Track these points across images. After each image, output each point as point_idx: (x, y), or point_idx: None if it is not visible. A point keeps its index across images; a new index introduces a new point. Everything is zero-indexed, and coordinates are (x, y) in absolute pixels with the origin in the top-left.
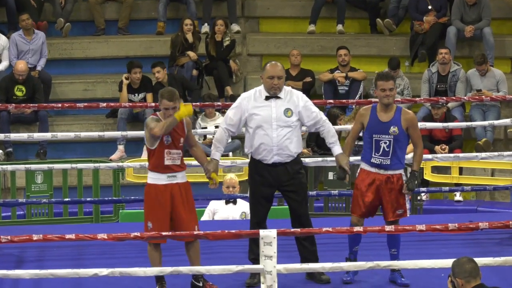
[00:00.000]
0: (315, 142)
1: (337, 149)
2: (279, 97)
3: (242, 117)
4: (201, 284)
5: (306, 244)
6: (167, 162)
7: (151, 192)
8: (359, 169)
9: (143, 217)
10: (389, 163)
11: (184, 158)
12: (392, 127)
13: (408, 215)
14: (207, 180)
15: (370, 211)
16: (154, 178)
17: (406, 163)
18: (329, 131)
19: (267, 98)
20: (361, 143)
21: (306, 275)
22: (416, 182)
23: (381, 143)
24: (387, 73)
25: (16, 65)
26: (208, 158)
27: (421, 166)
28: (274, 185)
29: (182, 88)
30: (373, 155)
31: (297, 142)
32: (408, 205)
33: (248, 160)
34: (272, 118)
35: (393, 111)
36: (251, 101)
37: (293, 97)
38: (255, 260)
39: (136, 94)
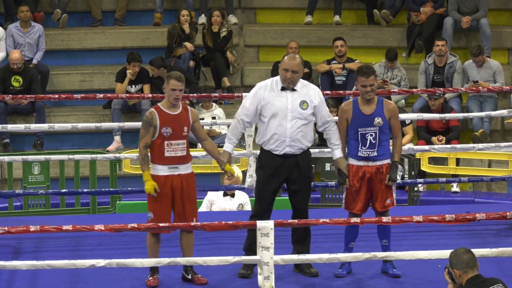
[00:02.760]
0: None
1: (338, 152)
2: (294, 89)
3: (258, 106)
4: (189, 277)
5: (299, 247)
6: (167, 154)
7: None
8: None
9: (140, 208)
10: (376, 154)
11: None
12: (376, 119)
13: (395, 205)
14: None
15: (366, 205)
16: (155, 169)
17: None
18: (336, 133)
19: (283, 88)
20: None
21: (294, 267)
22: (400, 173)
23: (367, 136)
24: (367, 68)
25: (11, 54)
26: (220, 149)
27: (418, 157)
28: (282, 177)
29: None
30: (359, 149)
31: (310, 136)
32: (394, 195)
33: (244, 151)
34: (288, 109)
35: (375, 103)
36: (267, 90)
37: (310, 91)
38: (248, 251)
39: (133, 86)
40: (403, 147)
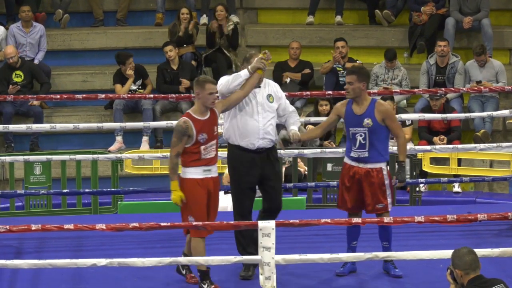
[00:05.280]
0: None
1: (293, 127)
2: (259, 86)
3: (228, 86)
4: (184, 272)
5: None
6: (203, 156)
7: (189, 187)
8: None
9: (142, 209)
10: (367, 155)
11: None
12: (365, 120)
13: (390, 209)
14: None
15: (357, 205)
16: (191, 172)
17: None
18: (294, 117)
19: None
20: None
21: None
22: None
23: (357, 136)
24: (350, 67)
25: (5, 50)
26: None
27: (420, 157)
28: (257, 173)
29: (190, 76)
30: (352, 149)
31: (276, 129)
32: (389, 199)
33: None
34: (258, 103)
35: (366, 103)
36: (235, 84)
37: (271, 85)
38: (244, 252)
39: (133, 83)
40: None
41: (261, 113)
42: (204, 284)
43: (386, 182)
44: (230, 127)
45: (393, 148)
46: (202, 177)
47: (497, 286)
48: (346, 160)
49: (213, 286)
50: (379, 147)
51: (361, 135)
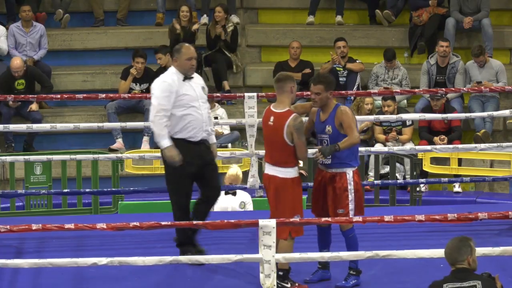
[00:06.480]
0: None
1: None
2: (192, 77)
3: (172, 100)
4: (289, 286)
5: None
6: None
7: (298, 186)
8: None
9: (142, 209)
10: (329, 162)
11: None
12: (327, 127)
13: (351, 216)
14: None
15: (322, 208)
16: (294, 172)
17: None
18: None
19: (184, 79)
20: None
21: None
22: (330, 151)
23: (323, 142)
24: (317, 77)
25: (12, 62)
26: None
27: (420, 157)
28: (200, 163)
29: None
30: None
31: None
32: (351, 206)
33: (246, 151)
34: (197, 96)
35: (330, 110)
36: (175, 83)
37: (199, 77)
38: (180, 245)
39: (138, 84)
40: (405, 147)
41: (202, 105)
42: (287, 283)
43: (350, 187)
44: (173, 121)
45: (393, 148)
46: (297, 175)
47: (469, 282)
48: (319, 165)
49: (296, 284)
50: (341, 154)
51: (324, 142)
